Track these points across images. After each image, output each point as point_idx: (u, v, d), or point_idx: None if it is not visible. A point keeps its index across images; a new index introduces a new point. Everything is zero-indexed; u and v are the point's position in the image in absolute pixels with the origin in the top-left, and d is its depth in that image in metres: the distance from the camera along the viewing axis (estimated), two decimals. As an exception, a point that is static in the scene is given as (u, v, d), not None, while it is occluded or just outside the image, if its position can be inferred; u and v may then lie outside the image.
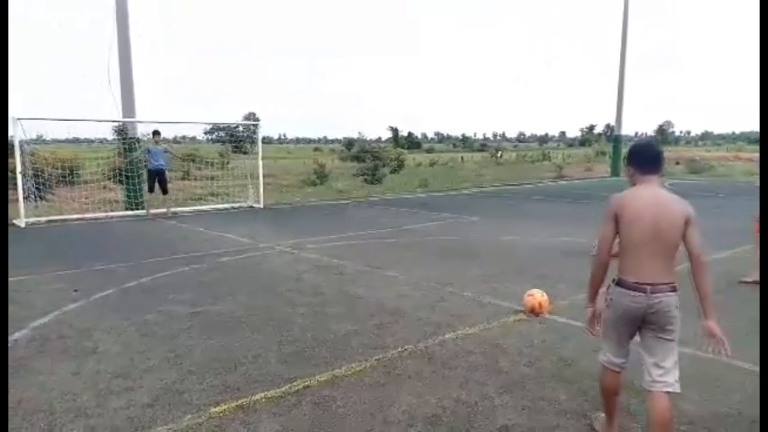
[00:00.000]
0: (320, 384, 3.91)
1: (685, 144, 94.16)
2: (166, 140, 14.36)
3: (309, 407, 3.58)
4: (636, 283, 2.77)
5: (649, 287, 2.74)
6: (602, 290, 2.99)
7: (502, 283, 6.65)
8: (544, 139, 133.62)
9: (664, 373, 2.78)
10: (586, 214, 12.91)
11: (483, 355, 4.43)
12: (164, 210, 13.17)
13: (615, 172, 26.36)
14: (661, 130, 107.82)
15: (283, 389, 3.82)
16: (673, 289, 2.78)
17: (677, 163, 33.48)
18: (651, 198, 2.79)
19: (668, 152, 42.92)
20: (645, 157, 2.90)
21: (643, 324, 2.83)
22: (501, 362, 4.29)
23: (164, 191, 13.15)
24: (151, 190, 13.03)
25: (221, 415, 3.48)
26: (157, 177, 12.95)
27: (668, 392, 2.77)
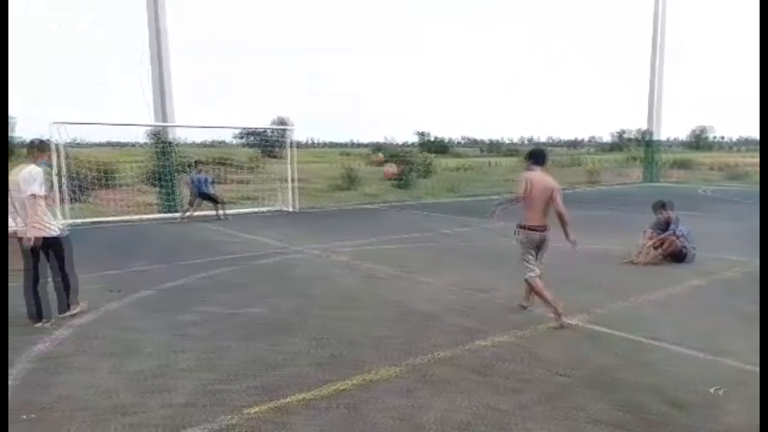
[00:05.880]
0: (353, 388, 3.93)
1: (718, 149, 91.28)
2: (195, 144, 14.61)
3: (342, 410, 3.60)
4: (535, 226, 5.35)
5: (542, 228, 5.35)
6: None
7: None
8: (574, 144, 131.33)
9: (541, 268, 5.44)
10: (621, 220, 12.70)
11: (516, 363, 4.40)
12: (215, 213, 13.44)
13: (648, 178, 25.81)
14: (695, 136, 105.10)
15: (316, 392, 3.85)
16: (548, 229, 5.38)
17: (711, 169, 32.69)
18: (537, 178, 5.34)
19: (704, 158, 42.19)
20: (535, 157, 5.51)
21: (537, 249, 5.42)
22: (535, 370, 4.25)
23: (217, 202, 13.51)
24: (191, 204, 13.41)
25: (256, 416, 3.52)
26: (205, 198, 13.35)
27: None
